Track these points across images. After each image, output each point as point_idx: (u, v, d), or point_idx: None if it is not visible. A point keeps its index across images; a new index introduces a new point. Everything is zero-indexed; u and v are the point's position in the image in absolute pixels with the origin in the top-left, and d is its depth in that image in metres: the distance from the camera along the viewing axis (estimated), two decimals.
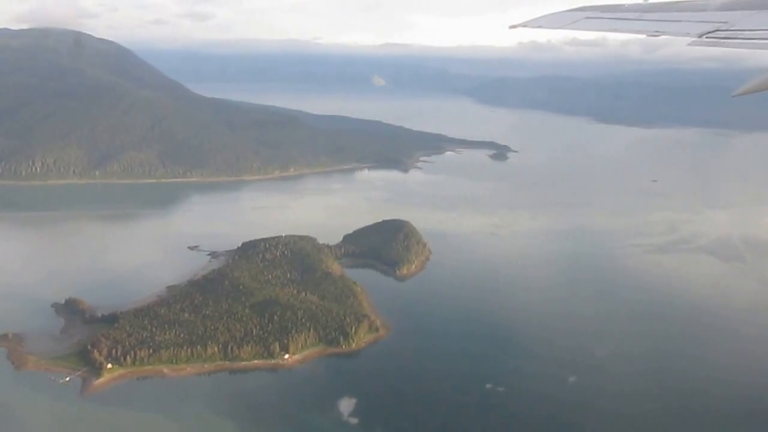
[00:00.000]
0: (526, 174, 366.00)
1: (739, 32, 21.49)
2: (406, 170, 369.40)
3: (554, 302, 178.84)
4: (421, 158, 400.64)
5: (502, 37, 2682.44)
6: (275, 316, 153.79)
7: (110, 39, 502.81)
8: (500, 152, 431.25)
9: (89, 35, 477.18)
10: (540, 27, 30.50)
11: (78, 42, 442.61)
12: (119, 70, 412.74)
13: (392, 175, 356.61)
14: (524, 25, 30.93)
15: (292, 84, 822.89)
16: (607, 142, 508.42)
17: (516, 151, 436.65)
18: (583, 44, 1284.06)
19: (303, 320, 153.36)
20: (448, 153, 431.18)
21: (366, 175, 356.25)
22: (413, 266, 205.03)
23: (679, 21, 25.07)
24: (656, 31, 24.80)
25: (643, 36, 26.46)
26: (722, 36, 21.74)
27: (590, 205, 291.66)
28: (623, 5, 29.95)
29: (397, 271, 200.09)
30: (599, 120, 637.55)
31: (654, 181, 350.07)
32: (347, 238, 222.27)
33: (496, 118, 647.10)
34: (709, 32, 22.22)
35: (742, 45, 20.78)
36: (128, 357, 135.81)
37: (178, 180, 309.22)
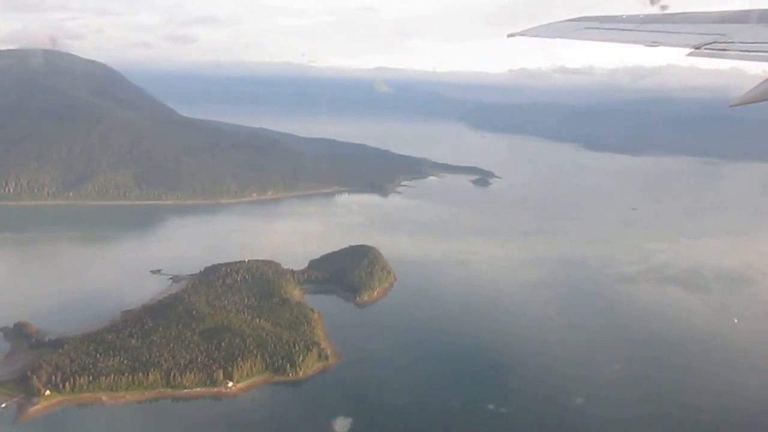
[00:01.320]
0: (506, 200, 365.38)
1: (735, 44, 21.87)
2: (385, 195, 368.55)
3: (514, 331, 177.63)
4: (402, 183, 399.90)
5: (494, 64, 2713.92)
6: (223, 343, 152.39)
7: (99, 60, 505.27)
8: (483, 178, 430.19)
9: (76, 56, 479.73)
10: (538, 36, 30.87)
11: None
12: (103, 91, 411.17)
13: (371, 199, 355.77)
14: (522, 33, 31.31)
15: (285, 106, 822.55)
16: (592, 170, 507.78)
17: (499, 177, 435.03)
18: (571, 72, 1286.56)
19: (251, 347, 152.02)
20: (431, 178, 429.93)
21: (345, 199, 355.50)
22: (375, 293, 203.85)
23: (677, 33, 25.42)
24: (654, 42, 25.05)
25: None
26: (719, 48, 22.12)
27: (564, 232, 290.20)
28: (621, 17, 30.26)
29: (358, 298, 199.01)
30: (587, 147, 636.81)
31: (634, 209, 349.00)
32: (313, 264, 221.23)
33: (485, 144, 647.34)
34: (706, 44, 22.62)
35: (738, 57, 21.19)
36: (68, 383, 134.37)
37: (153, 202, 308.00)
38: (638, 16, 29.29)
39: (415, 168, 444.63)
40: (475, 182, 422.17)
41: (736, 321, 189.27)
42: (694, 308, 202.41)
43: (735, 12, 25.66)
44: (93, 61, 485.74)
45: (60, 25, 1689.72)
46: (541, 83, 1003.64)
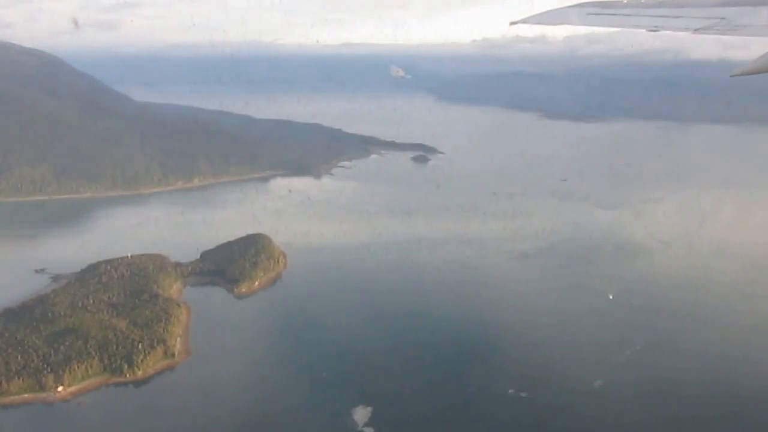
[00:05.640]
0: (438, 177, 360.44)
1: (735, 27, 22.37)
2: (318, 177, 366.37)
3: (383, 320, 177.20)
4: (339, 163, 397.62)
5: (458, 34, 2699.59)
6: (62, 346, 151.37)
7: (41, 49, 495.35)
8: (423, 155, 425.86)
9: (11, 44, 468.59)
10: (540, 23, 31.43)
11: None
12: (35, 81, 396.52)
13: (302, 182, 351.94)
14: (525, 21, 31.78)
15: (249, 87, 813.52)
16: (541, 140, 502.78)
17: (442, 153, 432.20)
18: (529, 41, 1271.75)
19: (90, 349, 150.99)
20: (373, 156, 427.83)
21: (275, 183, 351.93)
22: (256, 283, 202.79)
23: (678, 17, 25.85)
24: (655, 26, 25.51)
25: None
26: (720, 30, 22.77)
27: (482, 209, 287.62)
28: (621, 2, 30.72)
29: (236, 289, 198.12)
30: (547, 115, 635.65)
31: (563, 180, 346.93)
32: (204, 255, 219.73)
33: (445, 117, 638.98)
34: (707, 27, 23.18)
35: (739, 35, 21.79)
36: None
37: (71, 196, 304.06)
38: (639, 0, 30.00)
39: (359, 146, 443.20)
40: (414, 159, 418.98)
41: (611, 297, 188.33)
42: (574, 285, 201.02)
43: None
44: (30, 50, 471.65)
45: None
46: (504, 53, 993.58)
